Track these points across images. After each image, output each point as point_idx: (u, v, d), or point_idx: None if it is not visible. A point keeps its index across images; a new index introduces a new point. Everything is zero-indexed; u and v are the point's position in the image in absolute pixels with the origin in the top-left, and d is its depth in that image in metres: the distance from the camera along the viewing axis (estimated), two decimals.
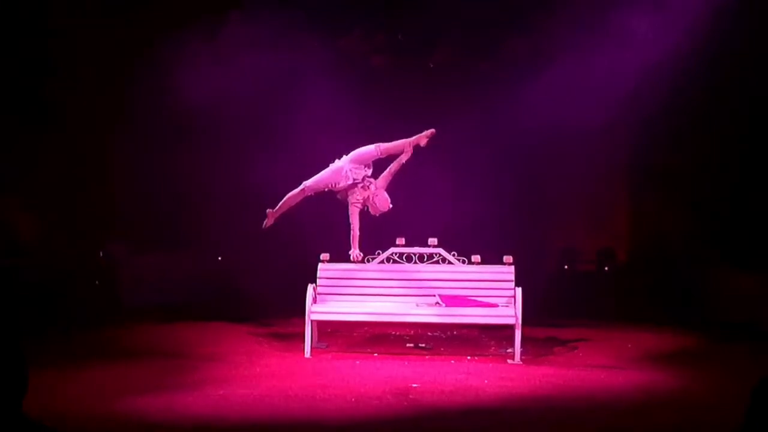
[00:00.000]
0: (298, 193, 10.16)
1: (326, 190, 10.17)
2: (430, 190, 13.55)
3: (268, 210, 10.21)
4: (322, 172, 10.14)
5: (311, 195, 10.21)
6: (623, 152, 15.72)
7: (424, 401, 7.75)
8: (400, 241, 10.27)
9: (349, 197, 10.10)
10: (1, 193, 13.13)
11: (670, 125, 14.34)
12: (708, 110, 13.86)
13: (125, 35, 13.63)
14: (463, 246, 10.37)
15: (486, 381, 8.57)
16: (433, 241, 10.30)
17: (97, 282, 12.98)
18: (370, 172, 10.12)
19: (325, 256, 10.34)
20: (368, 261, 10.24)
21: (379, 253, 10.26)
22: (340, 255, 10.31)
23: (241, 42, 13.77)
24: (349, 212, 10.11)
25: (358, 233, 10.12)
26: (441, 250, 10.25)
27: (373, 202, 10.05)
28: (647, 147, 14.94)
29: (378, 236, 10.44)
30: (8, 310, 10.89)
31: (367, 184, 10.09)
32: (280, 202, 10.21)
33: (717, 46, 13.03)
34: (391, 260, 10.27)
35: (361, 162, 10.08)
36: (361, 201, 10.06)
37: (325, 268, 10.27)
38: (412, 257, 10.27)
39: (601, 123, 14.30)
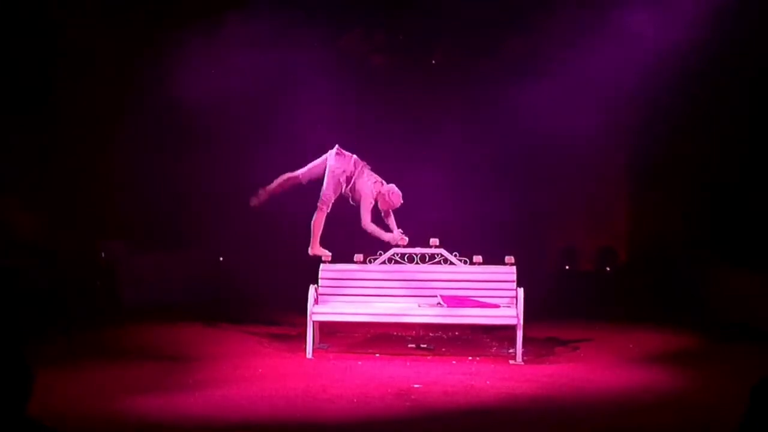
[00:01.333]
0: (319, 214, 10.24)
1: (342, 192, 10.21)
2: (431, 191, 13.54)
3: (310, 253, 10.28)
4: (325, 182, 10.22)
5: (328, 209, 10.26)
6: (623, 152, 15.72)
7: (426, 402, 7.76)
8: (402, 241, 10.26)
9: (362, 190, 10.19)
10: (1, 193, 13.11)
11: (670, 125, 14.33)
12: (708, 110, 13.86)
13: (125, 35, 13.62)
14: (464, 246, 10.35)
15: (488, 381, 8.58)
16: (434, 241, 10.28)
17: (97, 282, 12.96)
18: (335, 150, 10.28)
19: (327, 256, 10.33)
20: (370, 261, 10.23)
21: (380, 254, 10.23)
22: (342, 255, 10.30)
23: (241, 41, 13.76)
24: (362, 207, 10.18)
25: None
26: (442, 251, 10.22)
27: (390, 199, 10.15)
28: (647, 147, 14.93)
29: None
30: (9, 311, 10.87)
31: (380, 180, 10.21)
32: (312, 234, 10.25)
33: (717, 45, 13.04)
34: (393, 261, 10.24)
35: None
36: (374, 196, 10.16)
37: (326, 269, 10.25)
38: (413, 258, 10.25)
39: (601, 123, 14.30)
